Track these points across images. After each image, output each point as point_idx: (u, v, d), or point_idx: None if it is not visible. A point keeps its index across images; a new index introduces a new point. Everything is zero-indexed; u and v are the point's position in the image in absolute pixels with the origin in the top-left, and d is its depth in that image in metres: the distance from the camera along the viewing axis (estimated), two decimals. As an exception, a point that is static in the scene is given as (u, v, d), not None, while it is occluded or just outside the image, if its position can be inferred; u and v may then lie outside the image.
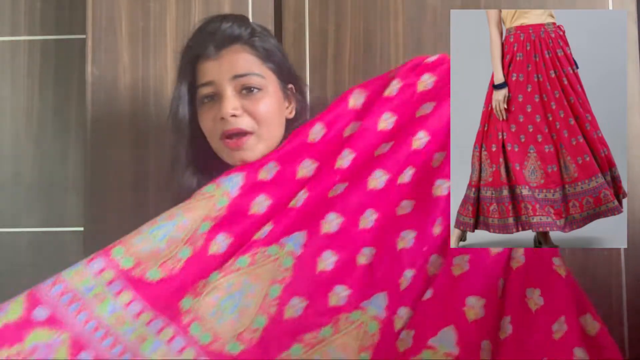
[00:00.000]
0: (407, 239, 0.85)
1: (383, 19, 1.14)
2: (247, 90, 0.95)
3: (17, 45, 1.37)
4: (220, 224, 0.88)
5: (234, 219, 0.89)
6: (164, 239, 0.86)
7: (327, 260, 0.84)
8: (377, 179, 0.89)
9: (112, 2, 1.17)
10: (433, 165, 0.89)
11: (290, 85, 1.01)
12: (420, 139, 0.90)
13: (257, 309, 0.82)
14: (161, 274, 0.84)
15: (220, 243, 0.87)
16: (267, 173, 0.92)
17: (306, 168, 0.92)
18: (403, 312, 0.81)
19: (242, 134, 0.94)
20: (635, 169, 1.08)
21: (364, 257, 0.85)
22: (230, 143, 0.94)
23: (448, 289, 0.81)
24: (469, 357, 0.76)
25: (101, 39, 1.16)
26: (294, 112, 1.02)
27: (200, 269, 0.85)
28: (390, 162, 0.90)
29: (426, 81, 0.94)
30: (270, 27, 1.14)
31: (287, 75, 1.01)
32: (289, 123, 1.00)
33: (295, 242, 0.86)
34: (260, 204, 0.90)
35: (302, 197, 0.89)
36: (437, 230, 0.85)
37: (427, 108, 0.93)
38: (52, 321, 0.79)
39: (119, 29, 1.16)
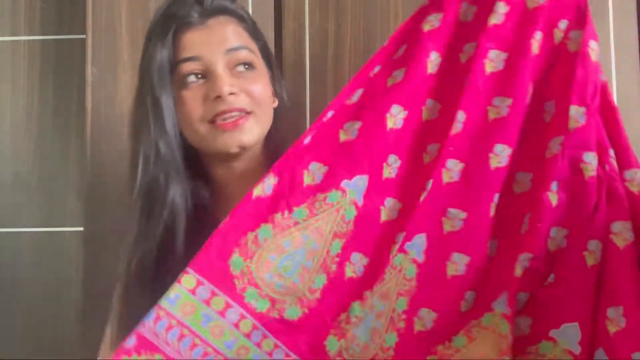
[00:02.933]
0: (525, 222, 0.76)
1: (383, 19, 1.14)
2: (238, 68, 0.85)
3: (17, 45, 1.37)
4: (352, 241, 0.78)
5: (365, 233, 0.78)
6: (296, 271, 0.76)
7: (458, 263, 0.76)
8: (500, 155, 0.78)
9: (112, 2, 1.16)
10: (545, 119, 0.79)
11: (270, 73, 0.93)
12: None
13: (387, 326, 0.74)
14: (299, 311, 0.75)
15: (356, 264, 0.77)
16: (390, 169, 0.80)
17: (429, 154, 0.81)
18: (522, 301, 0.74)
19: (241, 112, 0.84)
20: (635, 169, 1.08)
21: (489, 251, 0.77)
22: (227, 124, 0.83)
23: (578, 281, 0.73)
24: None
25: (101, 39, 1.16)
26: (277, 102, 0.94)
27: (338, 299, 0.76)
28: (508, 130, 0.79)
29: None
30: (270, 27, 1.15)
31: (269, 60, 0.94)
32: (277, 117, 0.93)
33: (417, 249, 0.77)
34: (391, 209, 0.80)
35: (426, 190, 0.78)
36: (554, 200, 0.75)
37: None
38: None
39: (119, 29, 1.16)
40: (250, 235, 0.76)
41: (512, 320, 0.73)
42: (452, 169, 0.79)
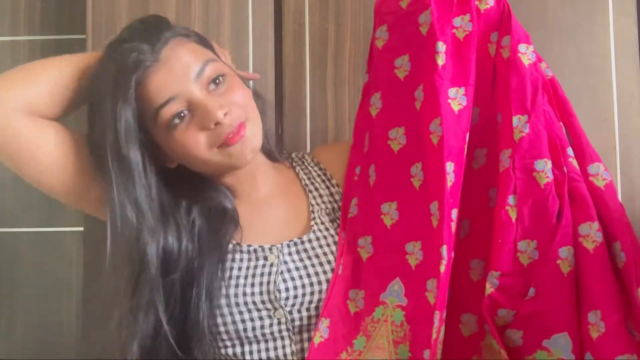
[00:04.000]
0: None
1: (383, 19, 1.14)
2: (213, 84, 0.84)
3: (17, 45, 1.37)
4: (414, 340, 0.77)
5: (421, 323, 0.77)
6: None
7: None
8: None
9: (112, 2, 1.16)
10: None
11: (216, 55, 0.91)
12: None
13: None
14: None
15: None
16: (414, 258, 0.81)
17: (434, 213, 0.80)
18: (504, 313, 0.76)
19: (241, 126, 0.84)
20: (634, 169, 1.08)
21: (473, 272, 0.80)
22: (232, 139, 0.83)
23: (558, 291, 0.75)
24: None
25: (101, 39, 1.16)
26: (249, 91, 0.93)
27: None
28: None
29: None
30: (270, 27, 1.14)
31: (209, 44, 0.91)
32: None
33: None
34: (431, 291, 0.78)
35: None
36: (513, 215, 0.77)
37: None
38: None
39: (119, 29, 1.15)
40: None
41: (496, 334, 0.74)
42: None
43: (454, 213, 0.77)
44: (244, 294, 0.84)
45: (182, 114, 0.82)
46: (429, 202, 0.79)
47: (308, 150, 1.13)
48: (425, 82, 0.83)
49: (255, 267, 0.87)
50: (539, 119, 0.79)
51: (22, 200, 1.35)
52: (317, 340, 0.81)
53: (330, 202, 0.95)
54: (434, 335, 0.72)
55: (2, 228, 1.34)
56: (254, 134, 0.86)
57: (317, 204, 0.94)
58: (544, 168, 0.77)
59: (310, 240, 0.89)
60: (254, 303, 0.84)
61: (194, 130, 0.82)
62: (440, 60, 0.81)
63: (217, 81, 0.84)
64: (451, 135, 0.79)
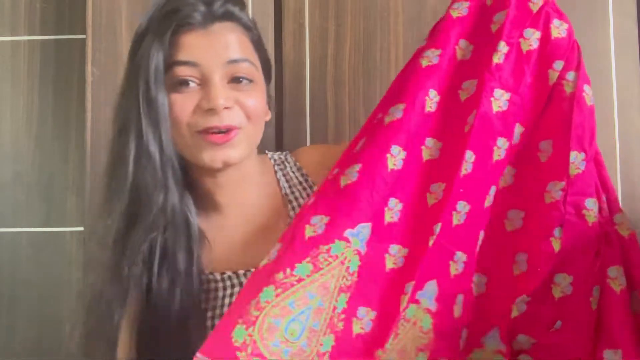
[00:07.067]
0: (520, 262, 0.76)
1: (383, 19, 1.14)
2: (235, 80, 0.81)
3: (17, 45, 1.37)
4: (358, 294, 0.71)
5: (371, 284, 0.72)
6: (303, 334, 0.68)
7: (459, 305, 0.74)
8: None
9: (112, 2, 1.16)
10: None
11: (266, 86, 0.90)
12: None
13: None
14: None
15: (364, 319, 0.71)
16: (392, 214, 0.76)
17: (434, 195, 0.77)
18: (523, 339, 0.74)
19: (230, 128, 0.80)
20: (635, 169, 1.08)
21: (476, 287, 0.76)
22: (216, 138, 0.79)
23: (584, 327, 0.74)
24: None
25: (101, 39, 1.16)
26: (269, 115, 0.90)
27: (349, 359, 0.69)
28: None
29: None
30: (270, 27, 1.14)
31: (268, 72, 0.91)
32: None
33: (429, 296, 0.73)
34: (396, 256, 0.74)
35: (434, 234, 0.74)
36: (556, 246, 0.75)
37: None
38: None
39: (119, 29, 1.16)
40: (252, 302, 0.68)
41: (509, 356, 0.74)
42: (461, 212, 0.77)
43: (460, 205, 0.76)
44: None
45: (192, 81, 0.79)
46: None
47: (308, 150, 1.13)
48: (478, 77, 0.82)
49: (232, 295, 0.83)
50: (591, 161, 0.80)
51: (22, 200, 1.35)
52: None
53: None
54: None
55: (2, 228, 1.34)
56: (238, 146, 0.81)
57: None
58: (593, 208, 0.78)
59: None
60: None
61: (190, 103, 0.79)
62: (497, 59, 0.81)
63: (241, 81, 0.81)
64: (481, 129, 0.79)
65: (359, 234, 0.73)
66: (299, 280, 0.69)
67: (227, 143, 0.80)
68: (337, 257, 0.71)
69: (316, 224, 0.73)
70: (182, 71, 0.79)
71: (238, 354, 0.65)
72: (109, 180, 0.82)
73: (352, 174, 0.76)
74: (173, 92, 0.80)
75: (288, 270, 0.69)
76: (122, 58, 1.16)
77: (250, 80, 0.82)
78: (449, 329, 0.73)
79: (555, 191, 0.78)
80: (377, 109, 0.84)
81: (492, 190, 0.79)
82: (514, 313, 0.74)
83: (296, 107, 1.14)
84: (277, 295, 0.68)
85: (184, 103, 0.79)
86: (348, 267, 0.71)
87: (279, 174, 0.94)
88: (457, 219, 0.76)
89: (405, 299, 0.71)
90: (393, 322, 0.70)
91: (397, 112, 0.80)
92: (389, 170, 0.76)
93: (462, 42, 0.85)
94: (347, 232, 0.73)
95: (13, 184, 1.35)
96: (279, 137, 1.13)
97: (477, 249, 0.77)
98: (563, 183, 0.77)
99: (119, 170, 0.80)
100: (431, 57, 0.83)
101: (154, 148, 0.79)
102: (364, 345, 0.70)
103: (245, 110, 0.81)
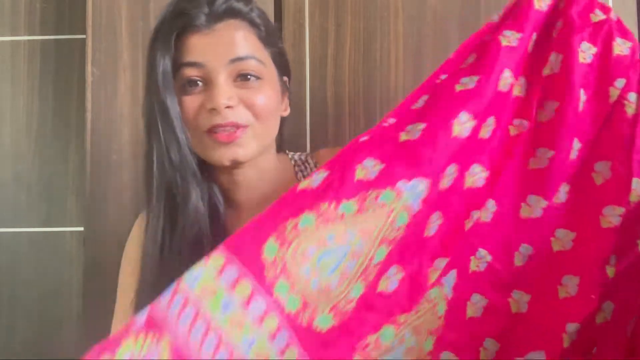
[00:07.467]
0: (568, 285, 0.74)
1: (383, 19, 1.14)
2: (242, 78, 0.81)
3: (17, 45, 1.37)
4: (395, 252, 0.70)
5: (411, 246, 0.71)
6: (336, 270, 0.66)
7: (476, 305, 0.73)
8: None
9: (112, 2, 1.16)
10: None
11: (285, 78, 0.91)
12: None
13: None
14: (331, 320, 0.66)
15: (391, 278, 0.70)
16: (446, 180, 0.73)
17: (476, 175, 0.76)
18: None
19: (236, 126, 0.80)
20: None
21: (515, 303, 0.74)
22: (222, 136, 0.80)
23: (617, 353, 0.71)
24: None
25: (101, 39, 1.16)
26: (288, 110, 0.92)
27: (372, 316, 0.68)
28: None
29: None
30: (270, 27, 1.14)
31: (285, 66, 0.91)
32: (282, 121, 0.90)
33: (449, 284, 0.72)
34: (433, 226, 0.72)
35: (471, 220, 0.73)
36: (611, 273, 0.73)
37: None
38: None
39: (119, 29, 1.16)
40: (291, 222, 0.66)
41: None
42: (489, 209, 0.76)
43: (490, 203, 0.75)
44: None
45: (198, 82, 0.81)
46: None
47: (308, 150, 1.13)
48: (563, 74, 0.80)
49: None
50: None
51: (22, 200, 1.35)
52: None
53: None
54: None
55: (2, 228, 1.34)
56: (246, 144, 0.82)
57: None
58: None
59: None
60: None
61: (196, 104, 0.81)
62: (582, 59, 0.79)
63: (249, 78, 0.82)
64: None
65: (413, 188, 0.70)
66: (342, 217, 0.67)
67: (234, 142, 0.81)
68: (384, 205, 0.69)
69: (368, 168, 0.70)
70: (189, 72, 0.80)
71: (266, 269, 0.64)
72: (144, 184, 0.86)
73: (415, 132, 0.73)
74: (183, 93, 0.82)
75: (334, 203, 0.68)
76: (122, 58, 1.16)
77: (258, 77, 0.82)
78: (459, 323, 0.73)
79: (613, 216, 0.75)
80: (439, 70, 0.79)
81: (532, 199, 0.77)
82: (566, 343, 0.72)
83: (296, 107, 1.14)
84: (317, 225, 0.66)
85: (192, 104, 0.81)
86: (394, 220, 0.69)
87: (299, 175, 0.94)
88: (485, 216, 0.75)
89: (434, 275, 0.70)
90: (418, 292, 0.70)
91: (469, 83, 0.76)
92: (452, 136, 0.73)
93: (535, 35, 0.82)
94: (401, 183, 0.70)
95: (13, 184, 1.35)
96: (279, 137, 1.13)
97: (517, 261, 0.76)
98: (622, 209, 0.75)
99: (148, 174, 0.84)
100: (511, 38, 0.79)
101: (173, 152, 0.81)
102: (387, 306, 0.69)
103: (252, 108, 0.82)
